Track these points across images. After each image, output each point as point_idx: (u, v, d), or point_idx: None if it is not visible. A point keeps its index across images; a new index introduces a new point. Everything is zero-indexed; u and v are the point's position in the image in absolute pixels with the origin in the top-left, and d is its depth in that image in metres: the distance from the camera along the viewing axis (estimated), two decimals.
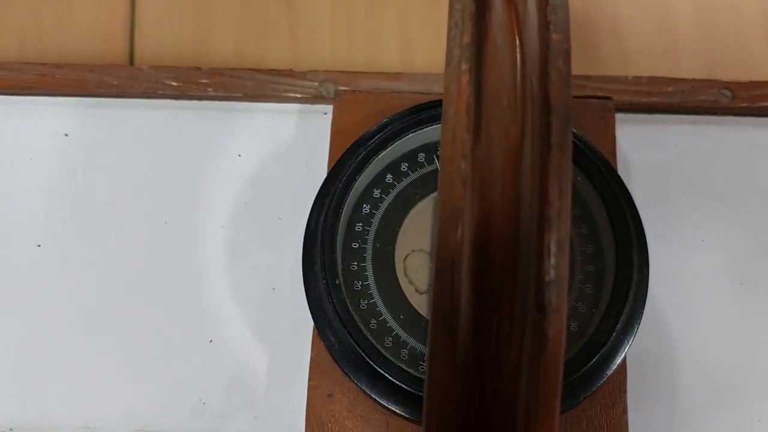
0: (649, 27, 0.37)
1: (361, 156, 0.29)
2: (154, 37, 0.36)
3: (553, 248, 0.16)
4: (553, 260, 0.16)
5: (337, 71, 0.34)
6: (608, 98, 0.32)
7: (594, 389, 0.26)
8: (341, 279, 0.27)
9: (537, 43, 0.18)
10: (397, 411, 0.26)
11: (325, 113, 0.33)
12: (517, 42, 0.18)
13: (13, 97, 0.34)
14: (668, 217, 0.31)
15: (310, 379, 0.28)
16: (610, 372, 0.26)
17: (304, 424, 0.28)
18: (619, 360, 0.26)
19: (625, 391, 0.28)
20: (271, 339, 0.30)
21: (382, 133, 0.29)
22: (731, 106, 0.33)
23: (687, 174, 0.32)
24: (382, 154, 0.29)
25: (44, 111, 0.34)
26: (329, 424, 0.27)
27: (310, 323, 0.29)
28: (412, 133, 0.29)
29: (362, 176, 0.29)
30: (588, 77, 0.33)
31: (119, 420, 0.29)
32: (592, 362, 0.26)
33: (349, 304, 0.27)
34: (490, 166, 0.17)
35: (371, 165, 0.29)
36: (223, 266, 0.31)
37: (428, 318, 0.27)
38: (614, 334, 0.26)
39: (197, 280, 0.31)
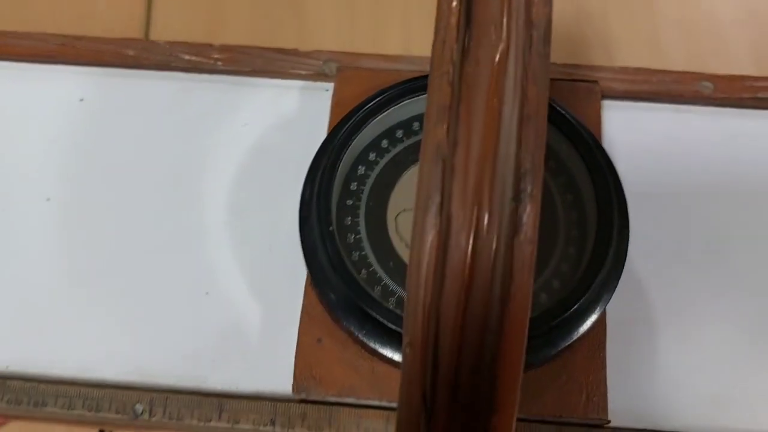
0: (637, 37, 0.39)
1: (358, 117, 0.30)
2: (169, 21, 0.38)
3: (530, 140, 0.17)
4: (529, 151, 0.17)
5: (340, 52, 0.36)
6: (594, 82, 0.34)
7: (573, 339, 0.27)
8: (335, 227, 0.29)
9: None
10: (384, 353, 0.27)
11: (327, 90, 0.35)
12: None
13: (34, 65, 0.36)
14: (650, 195, 0.33)
15: (300, 325, 0.29)
16: (588, 322, 0.27)
17: (292, 371, 0.29)
18: (597, 312, 0.27)
19: (604, 348, 0.28)
20: (266, 294, 0.31)
21: (379, 98, 0.31)
22: (712, 97, 0.34)
23: (669, 156, 0.34)
24: (378, 117, 0.31)
25: (63, 78, 0.36)
26: (317, 369, 0.28)
27: (303, 281, 0.30)
28: (408, 99, 0.31)
29: (359, 138, 0.30)
30: (576, 66, 0.35)
31: (114, 363, 0.30)
32: (571, 311, 0.27)
33: (341, 251, 0.28)
34: (477, 78, 0.19)
35: (367, 128, 0.31)
36: (223, 225, 0.33)
37: None
38: (593, 287, 0.27)
39: (198, 236, 0.32)
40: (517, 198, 0.17)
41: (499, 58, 0.19)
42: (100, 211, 0.33)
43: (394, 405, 0.28)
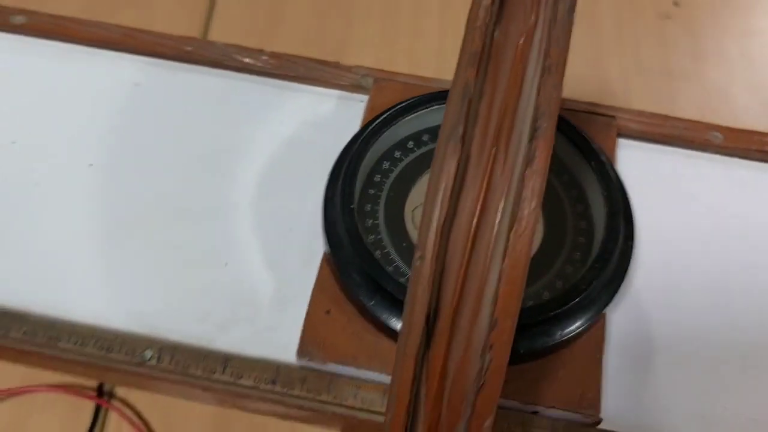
0: (654, 89, 0.42)
1: (389, 116, 0.33)
2: (227, 26, 0.42)
3: (548, 88, 0.20)
4: (546, 97, 0.19)
5: (378, 69, 0.39)
6: (612, 117, 0.36)
7: (570, 334, 0.28)
8: (356, 206, 0.30)
9: None
10: (390, 324, 0.28)
11: (362, 101, 0.38)
12: None
13: (99, 50, 0.39)
14: (657, 224, 0.34)
15: (311, 297, 0.30)
16: (585, 319, 0.28)
17: (297, 342, 0.30)
18: (595, 312, 0.29)
19: (602, 351, 0.29)
20: (281, 271, 0.33)
21: (410, 101, 0.33)
22: (721, 146, 0.37)
23: (677, 194, 0.35)
24: (407, 118, 0.33)
25: (122, 64, 0.39)
26: (323, 336, 0.29)
27: (318, 261, 0.32)
28: (436, 105, 0.33)
29: (387, 134, 0.33)
30: (597, 104, 0.38)
31: (129, 316, 0.31)
32: (569, 305, 0.28)
33: (359, 226, 0.30)
34: (506, 41, 0.21)
35: (396, 126, 0.33)
36: (249, 205, 0.35)
37: None
38: (593, 287, 0.28)
39: (225, 213, 0.34)
40: (532, 136, 0.19)
41: (527, 33, 0.21)
42: (136, 180, 0.35)
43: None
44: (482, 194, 0.19)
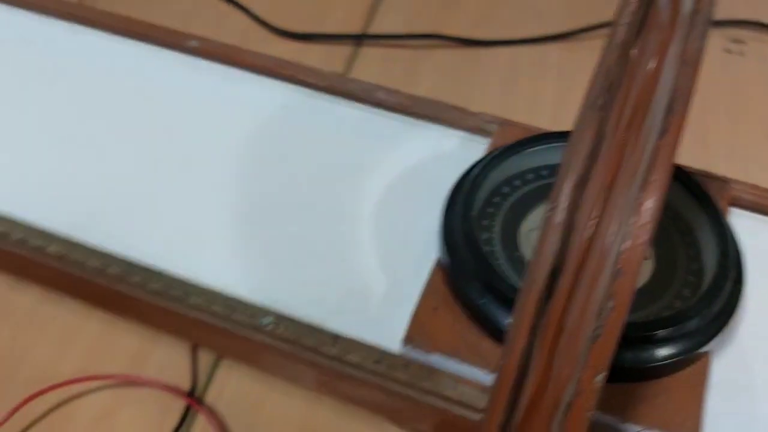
0: None
1: (514, 144, 0.35)
2: (369, 68, 0.47)
3: (684, 77, 0.22)
4: (683, 81, 0.22)
5: (500, 117, 0.42)
6: (725, 181, 0.37)
7: (672, 356, 0.28)
8: (475, 215, 0.33)
9: None
10: (497, 322, 0.29)
11: (483, 144, 0.41)
12: None
13: (256, 75, 0.45)
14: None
15: (421, 296, 0.32)
16: (690, 346, 0.29)
17: (399, 338, 0.31)
18: (695, 342, 0.29)
19: (703, 386, 0.29)
20: (392, 274, 0.35)
21: (535, 136, 0.36)
22: None
23: None
24: (530, 150, 0.36)
25: (275, 89, 0.44)
26: (428, 329, 0.31)
27: (429, 267, 0.34)
28: (559, 143, 0.36)
29: (511, 161, 0.35)
30: (711, 174, 0.39)
31: (254, 289, 0.34)
32: (676, 327, 0.28)
33: (475, 229, 0.32)
34: (647, 43, 0.24)
35: (519, 156, 0.35)
36: (370, 214, 0.37)
37: None
38: (702, 314, 0.29)
39: (349, 217, 0.37)
40: (667, 113, 0.22)
41: (665, 40, 0.24)
42: (274, 178, 0.39)
43: (490, 381, 0.30)
44: (616, 159, 0.21)
